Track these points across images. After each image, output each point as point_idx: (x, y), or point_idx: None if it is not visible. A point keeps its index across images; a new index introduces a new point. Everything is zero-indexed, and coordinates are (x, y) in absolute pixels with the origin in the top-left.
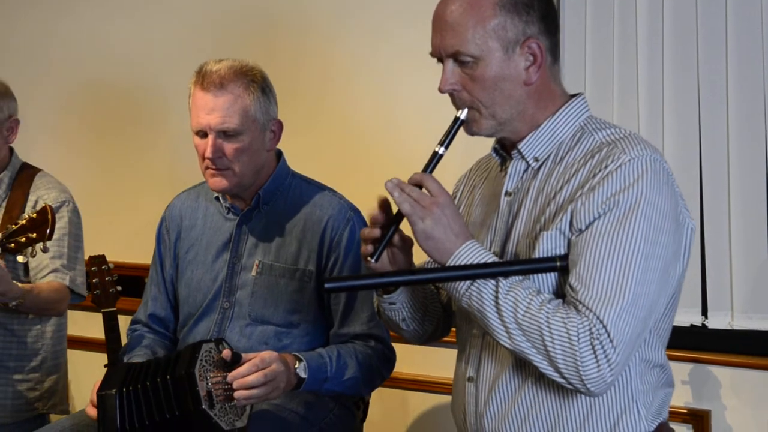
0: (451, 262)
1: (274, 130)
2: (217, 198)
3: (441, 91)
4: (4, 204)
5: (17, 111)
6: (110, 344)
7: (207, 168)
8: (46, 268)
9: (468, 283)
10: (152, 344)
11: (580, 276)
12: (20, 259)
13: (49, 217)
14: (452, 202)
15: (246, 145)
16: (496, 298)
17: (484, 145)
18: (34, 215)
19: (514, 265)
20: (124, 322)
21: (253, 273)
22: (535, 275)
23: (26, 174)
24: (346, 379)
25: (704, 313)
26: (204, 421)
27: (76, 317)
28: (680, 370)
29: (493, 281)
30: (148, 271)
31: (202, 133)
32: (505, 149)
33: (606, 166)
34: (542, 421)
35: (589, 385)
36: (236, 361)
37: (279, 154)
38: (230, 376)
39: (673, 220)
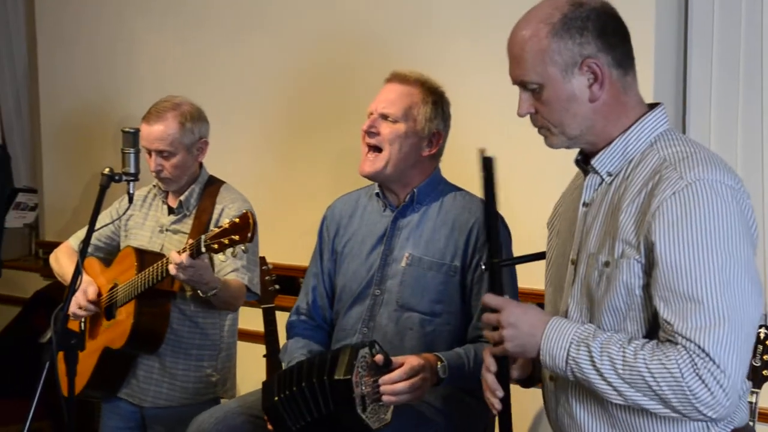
0: (543, 357)
1: (432, 140)
2: (377, 194)
3: (519, 115)
4: (194, 211)
5: (208, 133)
6: (268, 336)
7: (365, 153)
8: (228, 266)
9: (564, 360)
10: (308, 344)
11: (674, 309)
12: (221, 257)
13: (250, 221)
14: (513, 306)
15: (400, 133)
16: (593, 363)
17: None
18: (237, 220)
19: None
20: (281, 317)
21: (403, 264)
22: (618, 281)
23: (213, 186)
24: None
25: None
26: (356, 421)
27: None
28: None
29: (585, 348)
30: (303, 272)
31: (369, 114)
32: (586, 161)
33: (664, 191)
34: None
35: (709, 413)
36: (387, 365)
37: (436, 166)
38: (381, 380)
39: (745, 233)
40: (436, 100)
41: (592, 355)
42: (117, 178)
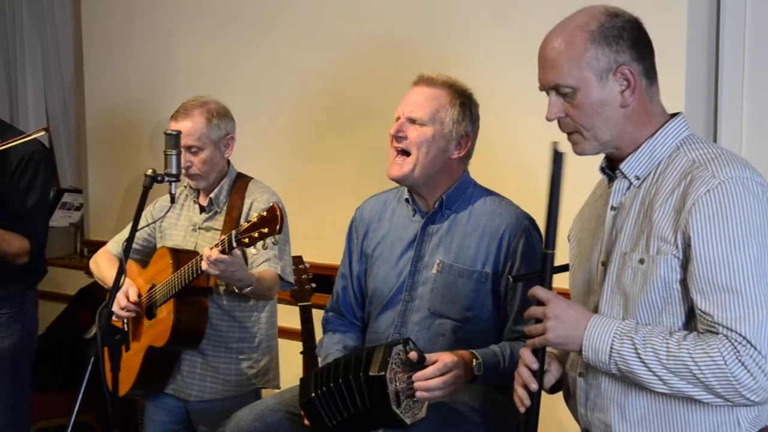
0: (586, 351)
1: (461, 142)
2: (406, 200)
3: (548, 119)
4: (225, 207)
5: (235, 130)
6: (305, 334)
7: (393, 156)
8: (260, 257)
9: (607, 354)
10: (343, 339)
11: (712, 301)
12: (252, 251)
13: (278, 214)
14: (560, 300)
15: (427, 137)
16: (638, 354)
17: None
18: (264, 214)
19: None
20: (317, 314)
21: (434, 271)
22: (656, 277)
23: (242, 181)
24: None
25: None
26: (391, 417)
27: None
28: None
29: (628, 341)
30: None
31: (397, 118)
32: (611, 168)
33: (698, 189)
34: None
35: (752, 397)
36: (421, 362)
37: (465, 169)
38: (415, 377)
39: None
40: (464, 102)
41: (636, 348)
42: (159, 179)
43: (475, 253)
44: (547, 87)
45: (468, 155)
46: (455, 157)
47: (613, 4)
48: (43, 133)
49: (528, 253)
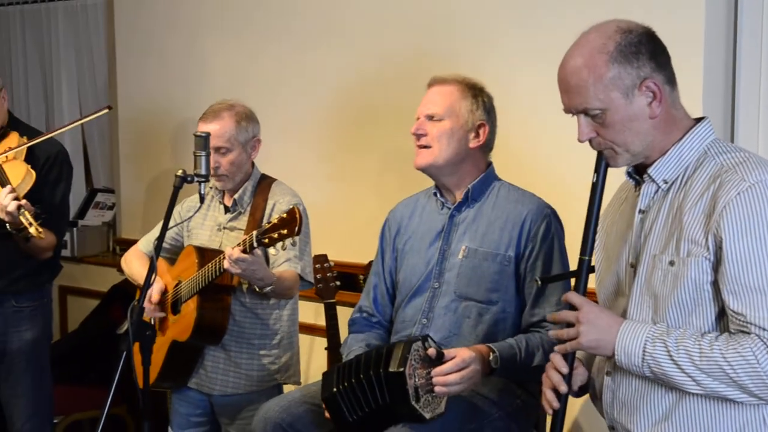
0: (618, 355)
1: (479, 131)
2: (435, 194)
3: (580, 141)
4: (248, 208)
5: (260, 132)
6: (330, 330)
7: (418, 151)
8: (281, 257)
9: (640, 357)
10: (367, 338)
11: (744, 301)
12: (272, 251)
13: (297, 216)
14: (592, 305)
15: (446, 129)
16: (671, 356)
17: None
18: (285, 215)
19: None
20: (342, 312)
21: (460, 256)
22: (686, 278)
23: (265, 183)
24: (533, 368)
25: None
26: (410, 412)
27: (302, 307)
28: None
29: (661, 344)
30: (363, 269)
31: (417, 118)
32: (638, 172)
33: (728, 192)
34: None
35: None
36: (440, 358)
37: (489, 164)
38: (434, 372)
39: None
40: (476, 93)
41: (669, 350)
42: (189, 179)
43: (499, 237)
44: (574, 111)
45: (488, 145)
46: (475, 146)
47: (632, 9)
48: (106, 110)
49: (547, 237)
